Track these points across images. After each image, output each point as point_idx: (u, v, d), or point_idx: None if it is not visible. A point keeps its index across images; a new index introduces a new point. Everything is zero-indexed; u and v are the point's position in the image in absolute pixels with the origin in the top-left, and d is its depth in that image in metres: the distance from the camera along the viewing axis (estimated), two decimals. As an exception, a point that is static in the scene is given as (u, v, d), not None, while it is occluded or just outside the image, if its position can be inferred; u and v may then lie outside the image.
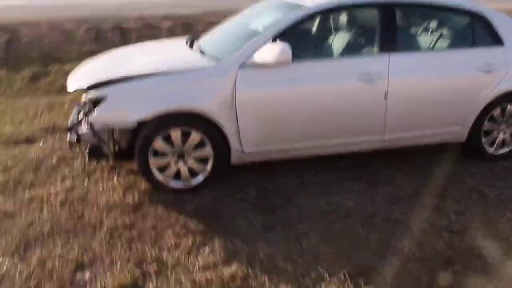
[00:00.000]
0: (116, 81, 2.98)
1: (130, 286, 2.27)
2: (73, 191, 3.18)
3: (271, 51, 2.91)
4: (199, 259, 2.47)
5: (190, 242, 2.62)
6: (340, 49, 3.47)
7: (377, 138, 3.40)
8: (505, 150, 3.76)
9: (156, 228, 2.77)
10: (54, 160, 3.65)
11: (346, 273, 2.34)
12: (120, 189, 3.20)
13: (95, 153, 3.12)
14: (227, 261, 2.45)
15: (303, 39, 3.65)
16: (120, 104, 2.93)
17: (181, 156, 3.08)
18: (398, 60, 3.26)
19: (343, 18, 3.69)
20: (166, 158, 3.06)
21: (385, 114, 3.30)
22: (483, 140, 3.68)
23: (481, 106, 3.50)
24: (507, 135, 3.71)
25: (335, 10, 3.47)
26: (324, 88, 3.16)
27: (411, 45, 3.55)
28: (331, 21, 3.86)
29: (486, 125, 3.61)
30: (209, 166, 3.14)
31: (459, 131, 3.58)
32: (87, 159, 3.21)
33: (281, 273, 2.37)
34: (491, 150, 3.72)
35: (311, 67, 3.16)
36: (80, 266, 2.40)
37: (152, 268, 2.40)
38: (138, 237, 2.67)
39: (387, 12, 3.28)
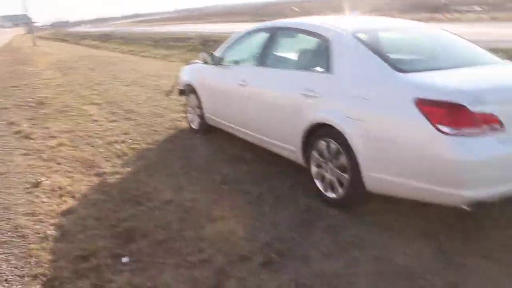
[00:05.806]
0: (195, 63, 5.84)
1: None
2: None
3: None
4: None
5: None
6: (243, 60, 4.51)
7: (252, 134, 4.21)
8: (332, 195, 3.22)
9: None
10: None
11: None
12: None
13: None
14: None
15: (233, 51, 4.71)
16: (182, 76, 5.77)
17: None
18: (256, 72, 4.00)
19: (256, 38, 4.43)
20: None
21: (250, 115, 4.13)
22: (313, 172, 3.40)
23: (300, 132, 3.42)
24: (333, 178, 3.20)
25: (252, 33, 4.49)
26: (226, 84, 4.56)
27: (273, 62, 3.98)
28: (251, 40, 4.52)
29: (316, 157, 3.35)
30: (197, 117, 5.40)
31: (295, 152, 3.58)
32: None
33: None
34: (321, 188, 3.35)
35: (224, 69, 4.64)
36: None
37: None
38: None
39: (269, 34, 4.05)
